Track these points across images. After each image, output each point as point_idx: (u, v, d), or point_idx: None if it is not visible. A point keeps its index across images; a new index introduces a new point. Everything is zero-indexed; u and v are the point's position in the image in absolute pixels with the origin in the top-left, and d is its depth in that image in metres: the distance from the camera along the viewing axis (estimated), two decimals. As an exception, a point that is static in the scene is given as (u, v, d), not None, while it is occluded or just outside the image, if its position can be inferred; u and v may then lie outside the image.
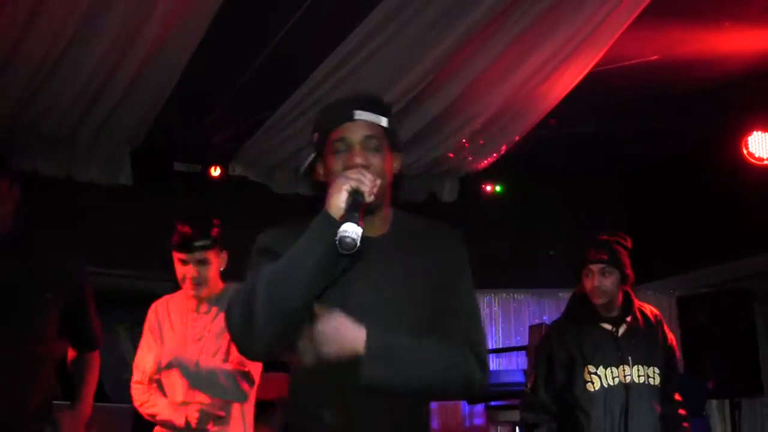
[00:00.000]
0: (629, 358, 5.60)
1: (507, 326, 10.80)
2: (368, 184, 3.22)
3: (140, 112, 8.43)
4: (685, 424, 5.69)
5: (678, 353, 5.96)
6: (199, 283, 5.23)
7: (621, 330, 5.68)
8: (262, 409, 7.45)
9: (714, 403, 10.00)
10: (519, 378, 8.44)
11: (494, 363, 10.42)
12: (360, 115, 3.45)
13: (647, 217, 10.60)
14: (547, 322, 9.04)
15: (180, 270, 5.26)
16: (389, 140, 3.49)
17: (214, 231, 5.25)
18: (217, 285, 5.35)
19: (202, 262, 5.22)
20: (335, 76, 7.79)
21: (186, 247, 5.18)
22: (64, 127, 8.54)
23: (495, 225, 10.60)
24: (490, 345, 10.58)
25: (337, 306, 3.22)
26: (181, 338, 5.30)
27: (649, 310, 5.87)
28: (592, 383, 5.57)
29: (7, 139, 8.50)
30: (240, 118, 8.84)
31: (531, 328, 8.37)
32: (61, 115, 8.27)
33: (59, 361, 4.85)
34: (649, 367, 5.61)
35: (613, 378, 5.57)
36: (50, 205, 8.38)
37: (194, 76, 7.76)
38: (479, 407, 9.61)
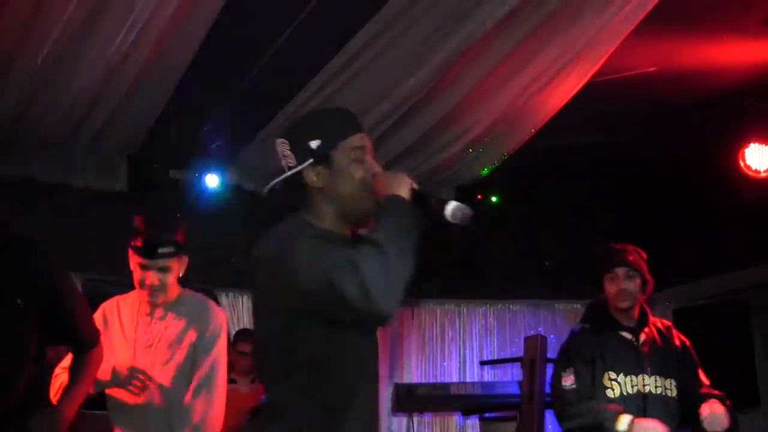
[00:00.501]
0: (648, 368, 5.61)
1: (502, 337, 10.78)
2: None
3: (137, 119, 8.41)
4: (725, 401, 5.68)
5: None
6: (158, 290, 4.94)
7: (640, 339, 5.69)
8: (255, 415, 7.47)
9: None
10: (514, 389, 8.42)
11: (489, 374, 10.41)
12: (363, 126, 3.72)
13: (644, 228, 10.58)
14: (543, 334, 9.02)
15: (138, 273, 4.94)
16: None
17: (180, 237, 5.00)
18: (174, 291, 5.06)
19: (164, 270, 4.93)
20: (332, 85, 7.79)
21: (149, 254, 4.88)
22: (60, 133, 8.51)
23: (491, 235, 10.59)
24: (486, 356, 10.57)
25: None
26: (129, 344, 4.98)
27: (660, 322, 5.91)
28: (612, 390, 5.57)
29: (3, 144, 8.49)
30: (237, 126, 8.82)
31: (526, 339, 8.33)
32: (57, 121, 8.25)
33: (52, 367, 4.71)
34: (666, 379, 5.61)
35: (632, 386, 5.57)
36: (46, 210, 8.36)
37: (192, 84, 7.75)
38: (473, 419, 9.58)
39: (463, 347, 10.66)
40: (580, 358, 5.69)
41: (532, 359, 7.93)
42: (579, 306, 10.72)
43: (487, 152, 9.33)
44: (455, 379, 10.23)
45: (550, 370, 7.97)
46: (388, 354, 9.82)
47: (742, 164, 8.27)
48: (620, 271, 5.71)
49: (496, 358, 10.56)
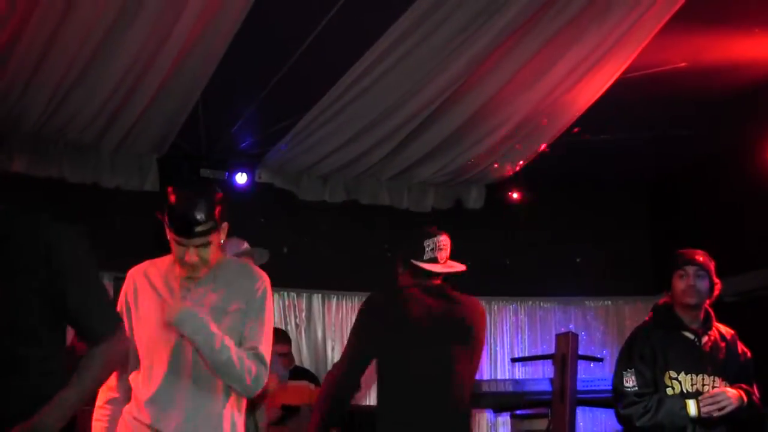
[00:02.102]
0: (708, 368, 5.62)
1: (533, 335, 10.77)
2: None
3: (166, 119, 8.45)
4: (757, 401, 5.68)
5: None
6: (198, 266, 4.48)
7: (703, 340, 5.70)
8: (286, 413, 7.48)
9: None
10: (545, 387, 8.40)
11: (520, 372, 10.39)
12: None
13: (671, 224, 10.56)
14: (573, 331, 9.00)
15: (176, 250, 4.48)
16: None
17: (217, 211, 4.44)
18: (216, 253, 4.58)
19: (204, 246, 4.45)
20: (361, 83, 7.80)
21: (184, 233, 4.40)
22: (91, 134, 8.57)
23: (521, 233, 10.59)
24: (517, 353, 10.56)
25: None
26: (164, 307, 4.48)
27: (725, 328, 5.92)
28: (672, 388, 5.59)
29: (34, 145, 8.55)
30: (266, 125, 8.84)
31: (557, 336, 8.29)
32: (88, 122, 8.30)
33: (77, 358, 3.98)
34: (724, 381, 5.62)
35: (692, 385, 5.58)
36: (77, 210, 8.40)
37: (221, 84, 7.77)
38: (504, 416, 9.57)
39: (494, 344, 10.65)
40: (641, 357, 5.71)
41: (563, 356, 7.90)
42: (609, 303, 10.72)
43: (518, 150, 9.32)
44: (486, 377, 10.22)
45: (581, 367, 7.98)
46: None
47: (769, 160, 8.24)
48: (690, 269, 5.71)
49: (527, 355, 10.54)
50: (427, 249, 5.43)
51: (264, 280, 4.65)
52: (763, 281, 9.39)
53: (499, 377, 10.25)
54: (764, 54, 7.55)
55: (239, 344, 4.45)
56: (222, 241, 4.54)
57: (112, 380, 4.54)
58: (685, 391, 5.57)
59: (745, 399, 5.52)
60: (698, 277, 5.69)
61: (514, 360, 10.32)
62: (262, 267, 4.83)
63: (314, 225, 10.03)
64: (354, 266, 9.98)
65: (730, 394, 5.48)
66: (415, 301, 5.46)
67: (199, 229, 4.37)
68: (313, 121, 8.57)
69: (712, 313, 5.83)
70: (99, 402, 4.61)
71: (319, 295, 10.07)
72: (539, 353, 10.42)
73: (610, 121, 8.84)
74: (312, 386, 7.44)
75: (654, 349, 5.68)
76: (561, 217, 10.71)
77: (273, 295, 4.76)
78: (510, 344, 10.66)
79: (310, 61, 7.49)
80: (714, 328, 5.79)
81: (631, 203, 10.97)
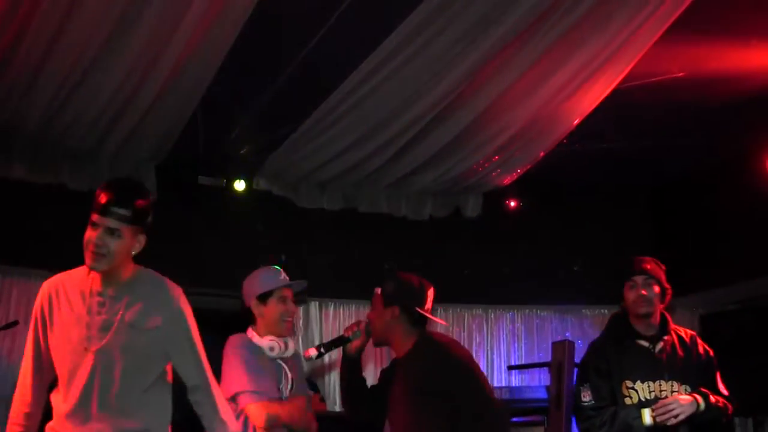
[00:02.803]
0: (665, 373, 5.67)
1: (530, 342, 10.77)
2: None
3: (165, 126, 8.46)
4: (726, 404, 5.70)
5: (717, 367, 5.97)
6: (100, 254, 4.41)
7: (658, 347, 5.74)
8: None
9: (737, 421, 9.93)
10: (541, 394, 8.41)
11: (517, 379, 10.40)
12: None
13: (672, 233, 10.57)
14: (570, 339, 9.01)
15: (88, 233, 4.44)
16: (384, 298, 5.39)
17: (138, 205, 4.47)
18: (126, 266, 4.59)
19: (112, 233, 4.41)
20: (360, 91, 7.81)
21: (103, 210, 4.40)
22: (89, 141, 8.58)
23: (518, 241, 10.60)
24: (513, 361, 10.56)
25: None
26: (82, 325, 4.47)
27: (684, 331, 5.96)
28: (630, 398, 5.66)
29: (33, 152, 8.56)
30: (264, 132, 8.86)
31: (554, 344, 8.31)
32: (86, 129, 8.31)
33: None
34: (682, 384, 5.65)
35: (650, 392, 5.64)
36: (76, 217, 8.42)
37: (219, 91, 7.79)
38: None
39: (490, 352, 10.65)
40: (595, 371, 5.82)
41: (559, 364, 7.91)
42: (606, 311, 10.69)
43: (516, 158, 9.34)
44: (483, 384, 10.23)
45: (577, 375, 8.00)
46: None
47: (769, 170, 8.26)
48: (639, 278, 5.81)
49: (523, 363, 10.55)
50: (428, 300, 5.46)
51: (180, 291, 4.82)
52: (763, 290, 9.42)
53: (495, 385, 10.25)
54: (761, 64, 7.58)
55: (153, 361, 4.61)
56: (134, 252, 4.61)
57: (27, 395, 4.56)
58: (643, 399, 5.63)
59: (701, 402, 5.55)
60: (647, 285, 5.79)
61: (510, 368, 10.34)
62: None
63: (312, 232, 10.04)
64: (352, 274, 9.99)
65: (683, 401, 5.52)
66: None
67: (114, 209, 4.40)
68: (311, 129, 8.58)
69: (669, 318, 5.89)
70: (13, 417, 4.56)
71: (317, 302, 10.08)
72: (536, 361, 10.42)
73: (608, 130, 8.86)
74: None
75: (608, 361, 5.78)
76: (559, 226, 10.72)
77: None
78: (507, 352, 10.66)
79: (309, 69, 7.52)
80: (671, 333, 5.84)
81: (629, 212, 10.98)
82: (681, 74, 7.80)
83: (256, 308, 5.56)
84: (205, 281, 9.40)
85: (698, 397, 5.56)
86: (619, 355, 5.77)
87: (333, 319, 10.15)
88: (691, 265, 10.07)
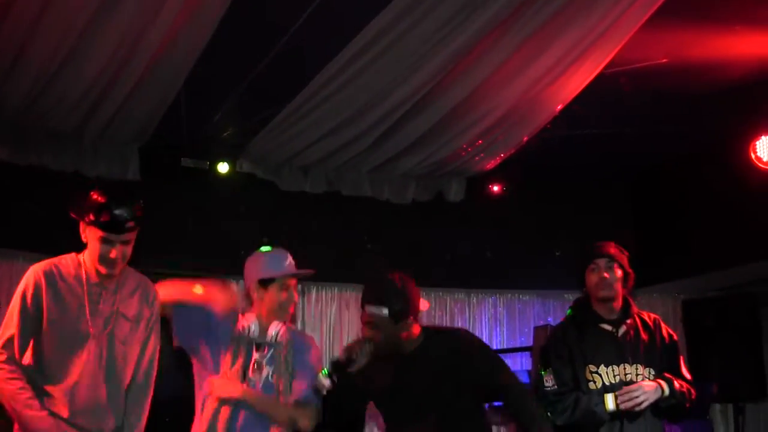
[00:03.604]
0: (629, 357, 5.67)
1: (512, 327, 10.79)
2: (357, 352, 5.08)
3: (148, 108, 8.44)
4: (690, 389, 5.72)
5: (681, 352, 5.98)
6: (118, 264, 4.91)
7: (621, 330, 5.75)
8: None
9: (717, 407, 9.99)
10: (523, 379, 8.44)
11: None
12: (369, 309, 5.13)
13: (654, 219, 10.60)
14: (552, 323, 9.04)
15: (100, 248, 4.84)
16: (393, 316, 5.10)
17: (139, 211, 4.92)
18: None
19: (126, 243, 4.91)
20: (344, 74, 7.81)
21: (116, 229, 4.82)
22: (72, 122, 8.55)
23: (501, 225, 10.61)
24: (495, 345, 10.59)
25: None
26: (83, 313, 4.89)
27: (647, 315, 5.96)
28: (594, 382, 5.65)
29: (15, 134, 8.53)
30: (248, 115, 8.85)
31: (536, 329, 8.38)
32: (69, 110, 8.28)
33: None
34: (646, 368, 5.66)
35: (614, 376, 5.64)
36: (59, 199, 8.40)
37: (203, 73, 7.77)
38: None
39: (472, 336, 10.67)
40: (557, 357, 5.80)
41: (541, 348, 7.97)
42: (588, 296, 10.75)
43: (499, 143, 9.35)
44: (464, 368, 10.25)
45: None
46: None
47: (753, 156, 8.25)
48: (601, 261, 5.86)
49: (505, 347, 10.57)
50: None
51: (156, 291, 5.27)
52: (745, 276, 9.46)
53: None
54: (745, 51, 7.59)
55: (143, 352, 5.07)
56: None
57: (19, 374, 4.76)
58: (607, 383, 5.64)
59: (665, 388, 5.57)
60: (609, 269, 5.82)
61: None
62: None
63: (295, 215, 10.03)
64: (334, 257, 9.99)
65: (647, 387, 5.55)
66: None
67: (129, 225, 4.85)
68: (295, 112, 8.57)
69: (632, 302, 5.89)
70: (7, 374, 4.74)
71: (299, 285, 10.06)
72: (517, 345, 10.46)
73: (591, 116, 8.87)
74: None
75: (570, 346, 5.77)
76: (541, 211, 10.73)
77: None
78: (489, 336, 10.67)
79: (293, 52, 7.50)
80: (634, 317, 5.84)
81: (613, 197, 10.99)
82: (664, 60, 7.81)
83: (256, 291, 5.47)
84: (188, 264, 9.40)
85: (662, 382, 5.59)
86: (582, 339, 5.77)
87: (315, 302, 10.15)
88: (672, 251, 10.10)
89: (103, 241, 4.84)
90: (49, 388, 4.77)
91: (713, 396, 9.07)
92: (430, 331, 5.31)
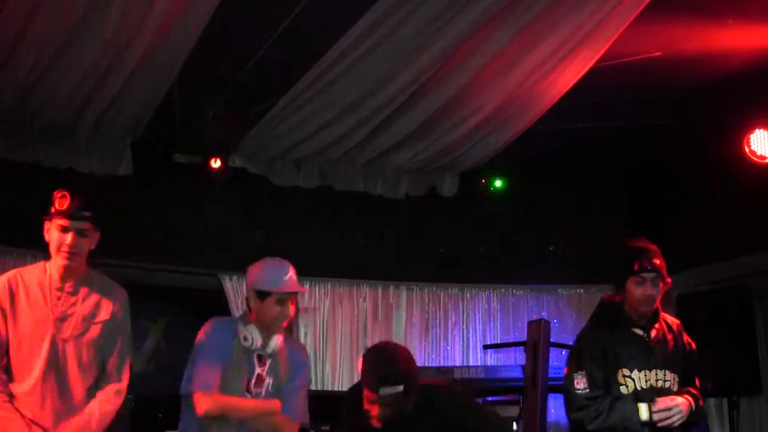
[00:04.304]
0: (659, 362, 5.63)
1: (506, 322, 10.78)
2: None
3: (141, 104, 8.43)
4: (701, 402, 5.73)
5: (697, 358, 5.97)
6: (75, 254, 5.09)
7: (651, 335, 5.70)
8: None
9: (712, 402, 9.97)
10: (517, 373, 8.44)
11: (492, 359, 10.41)
12: (383, 391, 5.03)
13: (647, 213, 10.58)
14: (546, 318, 9.02)
15: (58, 237, 5.08)
16: (407, 394, 5.07)
17: (99, 207, 5.16)
18: (84, 266, 5.24)
19: (83, 233, 5.10)
20: (335, 68, 7.80)
21: (72, 215, 5.05)
22: (64, 118, 8.54)
23: (494, 220, 10.60)
24: (489, 340, 10.58)
25: None
26: (40, 316, 5.07)
27: (670, 319, 5.93)
28: (626, 386, 5.58)
29: (8, 129, 8.52)
30: (241, 110, 8.83)
31: (530, 323, 8.33)
32: (61, 106, 8.28)
33: None
34: (671, 372, 5.63)
35: (646, 381, 5.59)
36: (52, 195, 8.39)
37: (195, 69, 7.75)
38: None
39: (466, 331, 10.66)
40: (591, 358, 5.68)
41: (535, 343, 7.94)
42: (582, 291, 10.75)
43: (492, 137, 9.34)
44: (458, 363, 10.24)
45: (553, 354, 8.00)
46: (392, 338, 9.80)
47: (746, 150, 8.23)
48: (648, 276, 5.66)
49: (499, 342, 10.56)
50: None
51: (125, 294, 5.40)
52: (739, 270, 9.44)
53: (471, 364, 10.26)
54: (738, 44, 7.58)
55: (100, 352, 5.18)
56: (92, 248, 5.21)
57: None
58: (639, 388, 5.57)
59: (693, 405, 5.57)
60: (655, 285, 5.67)
61: (486, 347, 10.35)
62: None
63: (288, 210, 10.02)
64: (327, 252, 9.99)
65: (683, 406, 5.53)
66: None
67: (85, 214, 5.05)
68: (287, 107, 8.56)
69: (659, 305, 5.83)
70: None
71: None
72: (511, 340, 10.43)
73: (584, 110, 8.86)
74: None
75: (604, 348, 5.66)
76: (535, 205, 10.72)
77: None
78: (482, 331, 10.67)
79: (285, 46, 7.49)
80: (661, 320, 5.80)
81: (606, 191, 10.98)
82: (658, 54, 7.80)
83: (253, 301, 5.40)
84: (180, 259, 9.40)
85: (690, 400, 5.57)
86: (615, 342, 5.66)
87: (308, 297, 10.13)
88: (665, 245, 10.06)
89: (61, 229, 5.05)
90: (15, 391, 4.99)
91: (707, 391, 9.05)
92: (426, 390, 5.30)
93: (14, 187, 8.53)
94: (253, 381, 5.34)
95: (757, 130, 8.21)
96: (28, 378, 5.00)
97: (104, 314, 5.20)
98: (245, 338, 5.33)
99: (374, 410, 5.07)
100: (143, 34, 7.08)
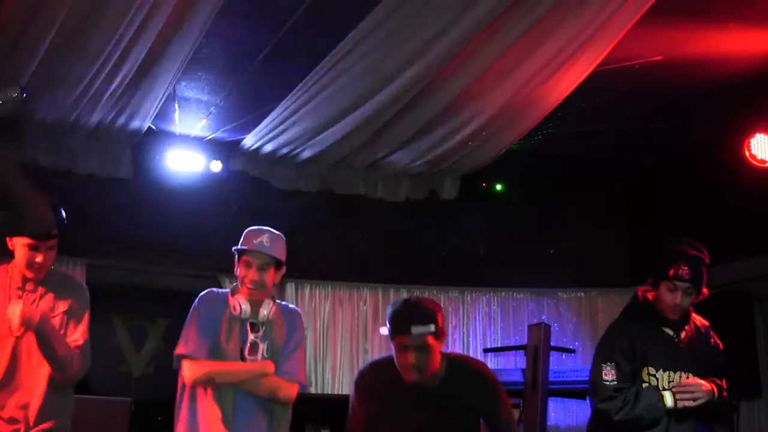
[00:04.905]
0: (685, 364, 5.62)
1: (506, 325, 10.79)
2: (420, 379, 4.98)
3: (141, 106, 8.41)
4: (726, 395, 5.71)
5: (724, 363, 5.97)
6: (43, 267, 5.36)
7: (680, 336, 5.70)
8: None
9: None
10: (518, 377, 8.43)
11: (493, 362, 10.41)
12: (415, 330, 4.91)
13: (647, 217, 10.59)
14: (546, 322, 9.02)
15: (26, 254, 5.31)
16: (435, 335, 4.97)
17: (62, 217, 5.32)
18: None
19: (52, 248, 5.36)
20: (335, 72, 7.79)
21: (43, 236, 5.26)
22: (64, 119, 8.53)
23: (495, 223, 10.60)
24: (489, 344, 10.58)
25: None
26: (2, 315, 5.25)
27: (700, 320, 5.93)
28: (650, 384, 5.59)
29: (7, 130, 8.51)
30: (241, 113, 8.83)
31: (530, 327, 8.34)
32: (61, 107, 8.26)
33: None
34: (696, 375, 5.62)
35: (669, 382, 5.59)
36: (50, 196, 8.38)
37: (195, 71, 7.76)
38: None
39: (466, 335, 10.66)
40: (621, 351, 5.66)
41: (535, 347, 7.95)
42: (582, 295, 10.76)
43: (493, 141, 9.33)
44: (459, 367, 10.24)
45: (553, 358, 8.00)
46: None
47: (747, 154, 8.24)
48: (682, 285, 5.64)
49: (499, 345, 10.56)
50: None
51: (85, 290, 5.65)
52: (739, 274, 9.43)
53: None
54: (739, 48, 7.58)
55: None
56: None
57: None
58: (661, 388, 5.58)
59: (716, 393, 5.55)
60: (687, 294, 5.65)
61: (486, 350, 10.35)
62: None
63: (288, 214, 10.02)
64: (328, 255, 9.99)
65: (704, 387, 5.51)
66: None
67: (52, 231, 5.25)
68: (287, 109, 8.55)
69: (691, 308, 5.83)
70: None
71: (293, 283, 10.07)
72: (512, 344, 10.44)
73: (586, 114, 8.85)
74: None
75: (633, 343, 5.64)
76: (535, 209, 10.73)
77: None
78: (483, 334, 10.67)
79: (285, 50, 7.49)
80: (691, 321, 5.80)
81: (607, 195, 11.00)
82: (658, 58, 7.80)
83: (236, 267, 5.54)
84: (180, 262, 9.40)
85: (714, 387, 5.56)
86: (645, 339, 5.64)
87: (309, 300, 10.14)
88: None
89: (30, 247, 5.29)
90: None
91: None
92: (452, 363, 5.22)
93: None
94: (247, 348, 5.38)
95: (757, 135, 8.22)
96: None
97: (63, 307, 5.41)
98: (234, 308, 5.39)
99: (408, 358, 4.95)
100: (144, 39, 7.08)
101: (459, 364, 5.24)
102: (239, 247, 5.50)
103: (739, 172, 8.56)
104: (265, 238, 5.49)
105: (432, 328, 4.93)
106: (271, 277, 5.49)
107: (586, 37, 7.22)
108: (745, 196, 8.94)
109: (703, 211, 9.65)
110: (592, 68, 7.68)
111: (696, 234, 9.59)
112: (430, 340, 4.95)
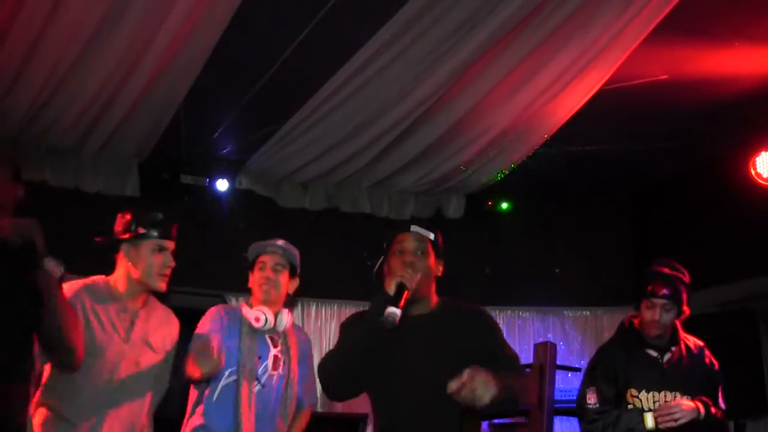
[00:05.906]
0: (670, 384, 5.71)
1: (512, 344, 10.70)
2: (410, 279, 4.44)
3: (148, 125, 8.44)
4: (717, 412, 5.72)
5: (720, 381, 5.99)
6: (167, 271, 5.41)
7: (666, 357, 5.78)
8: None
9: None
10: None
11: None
12: (414, 228, 4.74)
13: (653, 236, 10.58)
14: (552, 341, 9.02)
15: (156, 258, 5.37)
16: (434, 249, 4.79)
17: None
18: None
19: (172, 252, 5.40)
20: (342, 91, 7.80)
21: (167, 233, 5.49)
22: (72, 138, 8.55)
23: (501, 242, 10.60)
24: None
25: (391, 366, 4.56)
26: (106, 333, 5.04)
27: (693, 341, 5.98)
28: (634, 405, 5.68)
29: (16, 149, 8.52)
30: (247, 132, 8.85)
31: (536, 346, 8.32)
32: (69, 127, 8.28)
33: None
34: (685, 395, 5.67)
35: (654, 402, 5.69)
36: (58, 215, 8.39)
37: (202, 90, 7.77)
38: (483, 424, 9.58)
39: (472, 353, 10.63)
40: (604, 376, 5.84)
41: (541, 365, 7.93)
42: (588, 313, 10.73)
43: (498, 160, 9.34)
44: (464, 386, 10.21)
45: (559, 376, 8.00)
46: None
47: (752, 172, 8.25)
48: (658, 302, 5.79)
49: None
50: None
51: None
52: (744, 293, 9.43)
53: (477, 386, 10.23)
54: (744, 67, 7.60)
55: (153, 379, 5.14)
56: None
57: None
58: (646, 408, 5.65)
59: (702, 411, 5.58)
60: (665, 311, 5.80)
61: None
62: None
63: (294, 232, 10.00)
64: (334, 274, 9.97)
65: (685, 406, 5.57)
66: None
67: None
68: (294, 129, 8.56)
69: (679, 327, 5.90)
70: None
71: (299, 302, 10.06)
72: (517, 362, 10.42)
73: (591, 132, 8.87)
74: None
75: (616, 367, 5.82)
76: (541, 227, 10.73)
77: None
78: (488, 353, 10.65)
79: (292, 69, 7.50)
80: (681, 342, 5.86)
81: (612, 214, 10.99)
82: (664, 77, 7.81)
83: (250, 276, 5.61)
84: (186, 280, 9.38)
85: (700, 405, 5.59)
86: (628, 362, 5.81)
87: (315, 318, 10.13)
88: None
89: (159, 249, 5.42)
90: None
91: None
92: (447, 301, 4.95)
93: (20, 207, 8.53)
94: (271, 364, 5.44)
95: (763, 153, 8.22)
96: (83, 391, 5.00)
97: (165, 343, 5.28)
98: (257, 319, 5.43)
99: (405, 256, 4.62)
100: (150, 58, 7.10)
101: (454, 302, 5.00)
102: (256, 252, 5.67)
103: (745, 190, 8.56)
104: (279, 241, 5.57)
105: (431, 235, 4.77)
106: (285, 280, 5.53)
107: (593, 55, 7.23)
108: (751, 214, 8.94)
109: (710, 229, 9.66)
110: (598, 87, 7.70)
111: (702, 252, 9.65)
112: (429, 248, 4.72)
